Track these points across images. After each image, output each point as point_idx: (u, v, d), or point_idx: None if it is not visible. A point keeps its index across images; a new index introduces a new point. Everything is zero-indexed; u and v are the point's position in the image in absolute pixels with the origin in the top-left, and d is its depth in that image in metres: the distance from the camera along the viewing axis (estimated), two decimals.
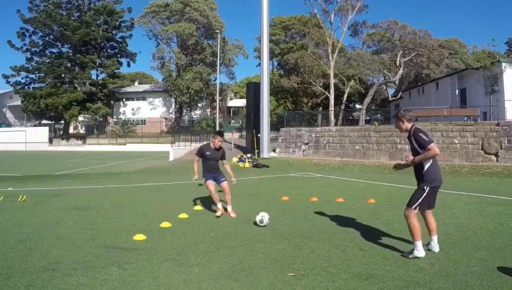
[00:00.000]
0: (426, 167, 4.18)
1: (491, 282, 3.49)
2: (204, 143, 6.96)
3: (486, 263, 3.99)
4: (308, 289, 3.42)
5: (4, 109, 57.12)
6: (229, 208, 6.68)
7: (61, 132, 49.02)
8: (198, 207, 7.15)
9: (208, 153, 6.66)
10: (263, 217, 5.73)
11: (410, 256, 4.17)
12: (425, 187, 4.20)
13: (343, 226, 5.66)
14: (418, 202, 4.21)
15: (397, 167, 4.63)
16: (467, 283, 3.47)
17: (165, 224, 5.76)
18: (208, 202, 7.78)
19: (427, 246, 4.38)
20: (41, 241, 4.94)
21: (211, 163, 6.69)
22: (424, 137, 4.11)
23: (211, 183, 6.58)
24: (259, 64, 31.22)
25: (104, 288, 3.44)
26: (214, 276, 3.73)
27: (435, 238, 4.38)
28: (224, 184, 6.70)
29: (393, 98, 46.17)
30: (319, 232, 5.34)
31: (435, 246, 4.37)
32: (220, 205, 6.57)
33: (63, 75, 45.81)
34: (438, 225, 5.67)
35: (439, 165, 4.44)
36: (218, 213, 6.49)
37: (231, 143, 29.33)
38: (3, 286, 3.45)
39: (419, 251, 4.14)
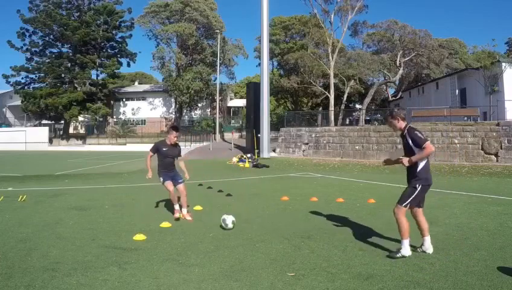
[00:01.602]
0: (421, 165, 4.21)
1: (491, 282, 3.49)
2: (160, 139, 6.58)
3: (486, 263, 3.99)
4: (308, 289, 3.42)
5: (4, 109, 57.09)
6: (184, 211, 6.29)
7: (61, 132, 48.99)
8: (198, 207, 7.15)
9: (164, 149, 6.21)
10: (227, 219, 5.51)
11: (397, 255, 4.15)
12: (417, 185, 4.22)
13: (343, 226, 5.66)
14: (409, 199, 4.23)
15: (387, 162, 4.62)
16: (467, 283, 3.47)
17: (165, 224, 5.76)
18: (208, 202, 7.78)
19: (421, 247, 4.37)
20: (41, 241, 4.94)
21: (167, 161, 6.28)
22: (420, 136, 4.15)
23: (170, 184, 6.20)
24: (259, 64, 31.23)
25: (104, 288, 3.44)
26: (214, 276, 3.73)
27: (427, 239, 4.36)
28: (181, 186, 6.32)
29: (393, 98, 46.18)
30: (319, 232, 5.34)
31: (429, 247, 4.33)
32: (178, 207, 6.30)
33: (63, 75, 45.77)
34: (438, 225, 5.71)
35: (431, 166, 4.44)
36: (177, 215, 6.18)
37: (231, 143, 29.35)
38: (3, 286, 3.45)
39: (407, 250, 4.14)
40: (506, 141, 17.71)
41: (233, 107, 56.57)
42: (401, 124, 4.35)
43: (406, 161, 4.24)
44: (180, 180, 6.35)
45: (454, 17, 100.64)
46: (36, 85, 46.70)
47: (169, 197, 6.37)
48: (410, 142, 4.22)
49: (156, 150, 6.22)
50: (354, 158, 21.21)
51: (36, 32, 45.85)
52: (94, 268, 3.93)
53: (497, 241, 4.82)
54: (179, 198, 6.38)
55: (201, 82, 44.38)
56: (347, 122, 38.11)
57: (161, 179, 6.26)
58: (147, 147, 6.35)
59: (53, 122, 49.61)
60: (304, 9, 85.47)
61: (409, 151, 4.28)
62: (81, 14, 46.32)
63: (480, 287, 3.40)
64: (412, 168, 4.28)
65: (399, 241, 4.82)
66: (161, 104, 52.28)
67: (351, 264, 4.02)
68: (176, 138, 6.25)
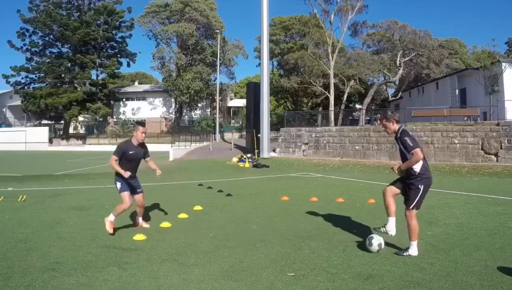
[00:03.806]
0: (419, 167, 4.27)
1: (491, 282, 3.49)
2: (124, 140, 5.59)
3: (486, 263, 3.99)
4: (308, 289, 3.42)
5: (4, 109, 57.09)
6: (140, 219, 5.71)
7: (61, 132, 49.01)
8: (198, 207, 7.14)
9: (131, 152, 5.26)
10: (379, 242, 4.44)
11: (404, 254, 4.29)
12: (420, 186, 4.29)
13: (343, 226, 5.65)
14: (416, 201, 4.30)
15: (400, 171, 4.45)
16: (467, 283, 3.47)
17: (165, 224, 5.76)
18: (207, 202, 7.78)
19: (384, 227, 4.61)
20: (41, 241, 4.94)
21: (132, 165, 5.36)
22: (409, 142, 4.22)
23: (128, 195, 5.25)
24: (259, 64, 31.20)
25: (104, 288, 3.44)
26: (214, 276, 3.73)
27: (392, 219, 4.58)
28: (141, 197, 5.50)
29: (393, 98, 46.13)
30: (319, 232, 5.34)
31: (392, 229, 4.59)
32: (113, 218, 5.29)
33: (63, 75, 45.79)
34: (438, 225, 5.72)
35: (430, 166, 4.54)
36: (111, 230, 5.20)
37: (231, 143, 29.34)
38: (3, 286, 3.45)
39: (414, 251, 4.27)
40: (506, 141, 17.70)
41: (233, 107, 56.57)
42: (395, 126, 4.47)
43: (396, 167, 4.39)
44: (139, 190, 5.51)
45: (454, 17, 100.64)
46: (36, 85, 46.74)
47: (125, 207, 5.27)
48: (401, 146, 4.34)
49: (121, 153, 5.22)
50: (354, 158, 21.20)
51: (36, 32, 45.88)
52: (94, 268, 3.93)
53: (497, 241, 4.82)
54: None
55: (201, 82, 44.40)
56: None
57: (118, 186, 5.29)
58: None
59: (53, 122, 49.66)
60: (303, 9, 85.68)
61: (402, 155, 4.40)
62: (81, 14, 46.33)
63: (480, 287, 3.40)
64: (411, 169, 4.32)
65: (399, 240, 4.83)
66: (161, 104, 52.28)
67: (351, 264, 4.02)
68: (144, 135, 5.32)
